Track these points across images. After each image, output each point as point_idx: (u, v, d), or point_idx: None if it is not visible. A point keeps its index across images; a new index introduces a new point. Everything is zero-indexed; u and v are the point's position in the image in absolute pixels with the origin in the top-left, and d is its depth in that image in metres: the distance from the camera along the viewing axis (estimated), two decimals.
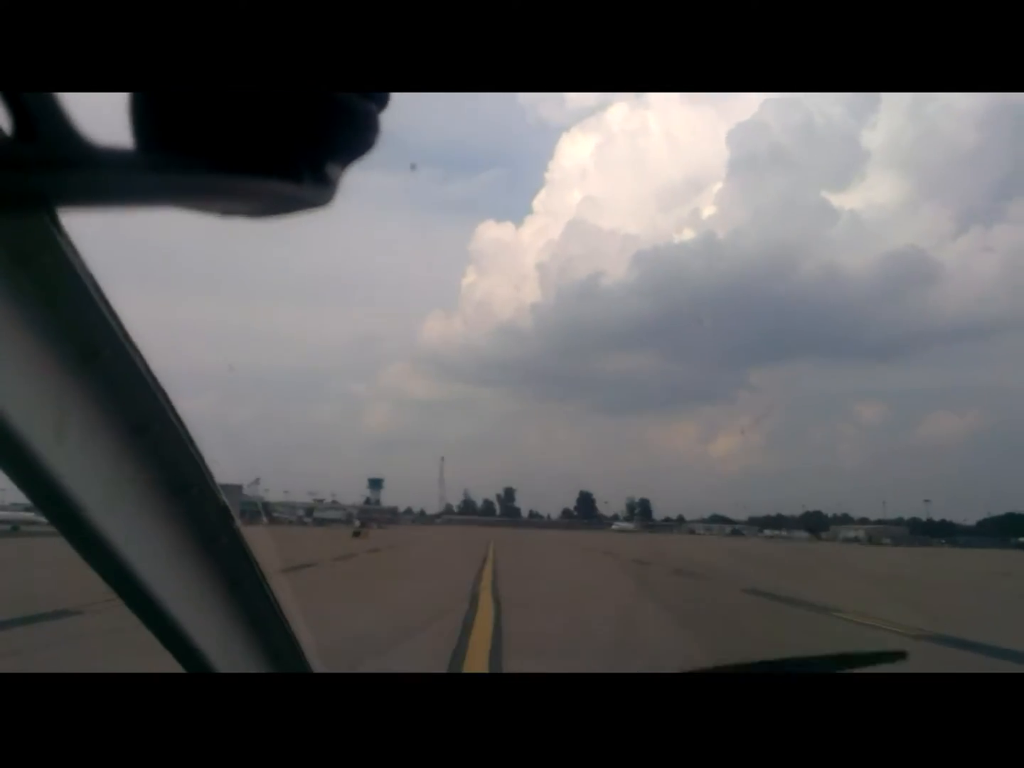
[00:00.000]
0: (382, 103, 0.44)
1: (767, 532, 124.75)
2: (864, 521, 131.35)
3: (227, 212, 0.44)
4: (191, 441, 0.81)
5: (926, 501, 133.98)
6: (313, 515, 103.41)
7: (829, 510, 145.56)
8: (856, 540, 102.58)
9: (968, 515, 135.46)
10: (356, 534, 45.82)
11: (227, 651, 0.98)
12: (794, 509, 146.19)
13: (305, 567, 16.53)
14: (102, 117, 0.39)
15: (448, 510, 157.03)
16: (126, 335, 0.69)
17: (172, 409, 0.77)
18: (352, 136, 0.44)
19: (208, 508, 0.87)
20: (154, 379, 0.74)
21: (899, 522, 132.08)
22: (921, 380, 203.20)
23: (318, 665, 1.17)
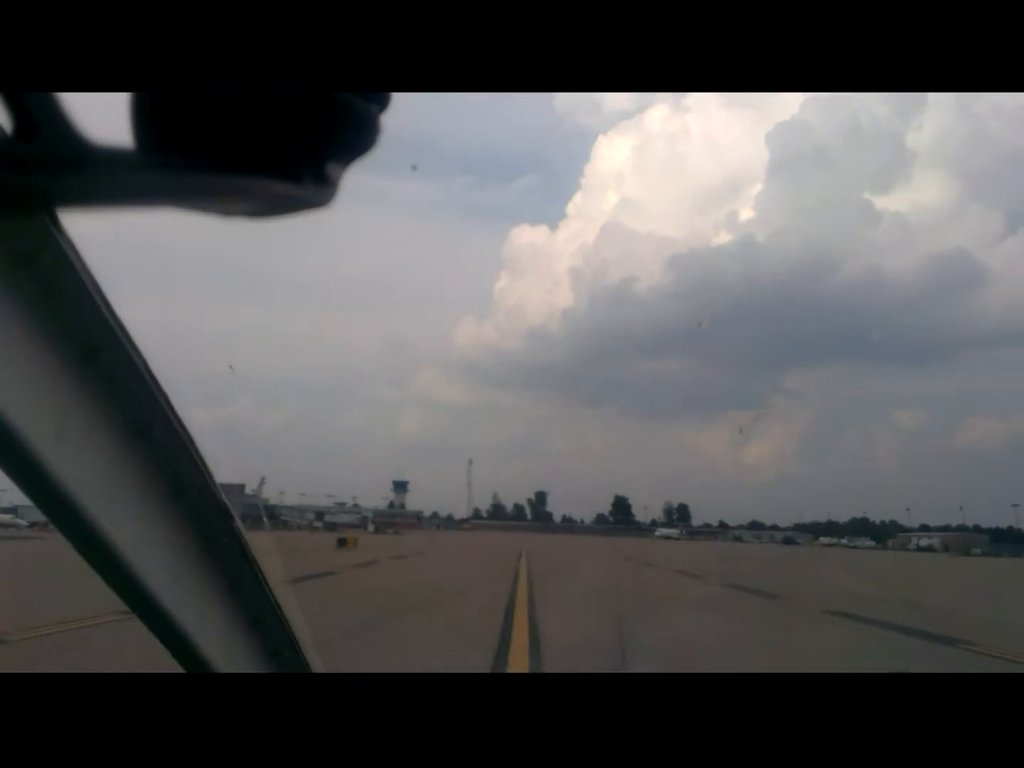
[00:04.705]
0: (382, 103, 0.44)
1: (824, 540, 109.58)
2: (924, 528, 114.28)
3: (226, 212, 0.44)
4: (191, 441, 0.81)
5: (1014, 506, 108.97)
6: (324, 519, 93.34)
7: (875, 516, 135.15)
8: (930, 549, 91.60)
9: None
10: (342, 543, 36.79)
11: (228, 651, 0.98)
12: (838, 515, 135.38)
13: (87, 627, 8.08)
14: (102, 117, 0.39)
15: (476, 515, 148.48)
16: (126, 335, 0.69)
17: (172, 409, 0.77)
18: (351, 136, 0.44)
19: (208, 508, 0.87)
20: (154, 379, 0.74)
21: (951, 528, 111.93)
22: (963, 384, 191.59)
23: (318, 665, 1.17)
